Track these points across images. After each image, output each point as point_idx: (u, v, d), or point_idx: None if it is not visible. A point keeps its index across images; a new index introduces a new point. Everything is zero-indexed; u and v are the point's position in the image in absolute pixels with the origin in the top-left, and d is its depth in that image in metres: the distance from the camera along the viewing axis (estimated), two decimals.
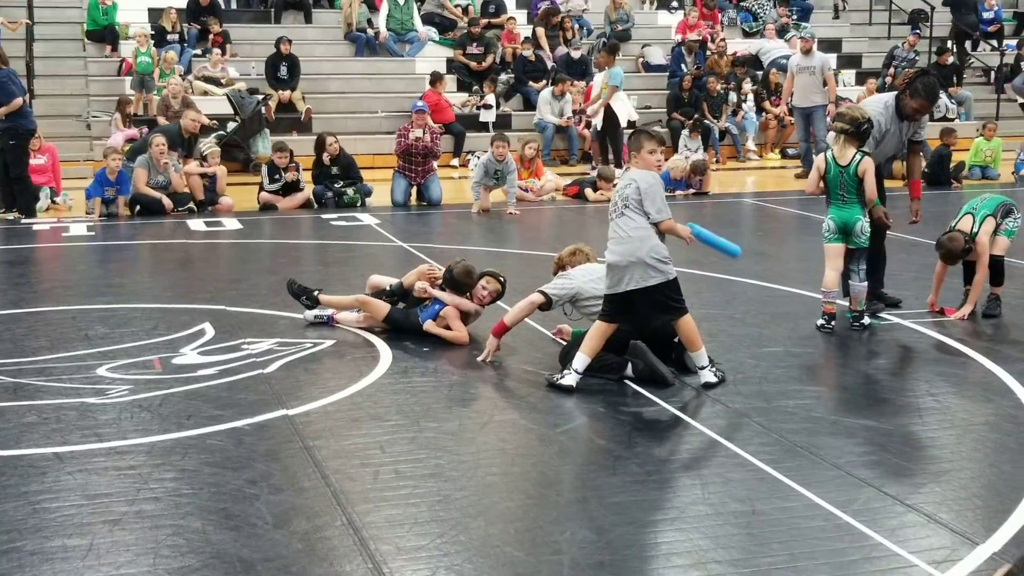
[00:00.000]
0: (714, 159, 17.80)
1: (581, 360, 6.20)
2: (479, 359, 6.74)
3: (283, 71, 17.74)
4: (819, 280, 7.63)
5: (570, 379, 6.14)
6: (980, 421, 5.78)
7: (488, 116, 18.35)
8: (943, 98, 19.92)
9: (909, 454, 5.27)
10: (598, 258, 6.93)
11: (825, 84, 15.92)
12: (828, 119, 15.30)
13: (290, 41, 17.90)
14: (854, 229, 7.50)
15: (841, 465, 5.08)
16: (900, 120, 7.92)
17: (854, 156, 7.41)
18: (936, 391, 6.23)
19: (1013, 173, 16.38)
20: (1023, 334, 7.52)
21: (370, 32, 19.67)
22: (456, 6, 20.82)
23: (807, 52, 16.18)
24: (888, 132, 7.89)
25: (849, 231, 7.52)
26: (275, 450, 5.30)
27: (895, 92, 8.13)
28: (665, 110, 18.92)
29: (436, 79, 17.63)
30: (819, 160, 7.68)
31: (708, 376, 6.28)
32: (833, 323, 7.49)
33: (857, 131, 7.40)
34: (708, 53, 20.12)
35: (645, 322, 6.40)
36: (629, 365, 6.37)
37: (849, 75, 21.24)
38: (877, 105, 7.99)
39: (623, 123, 16.44)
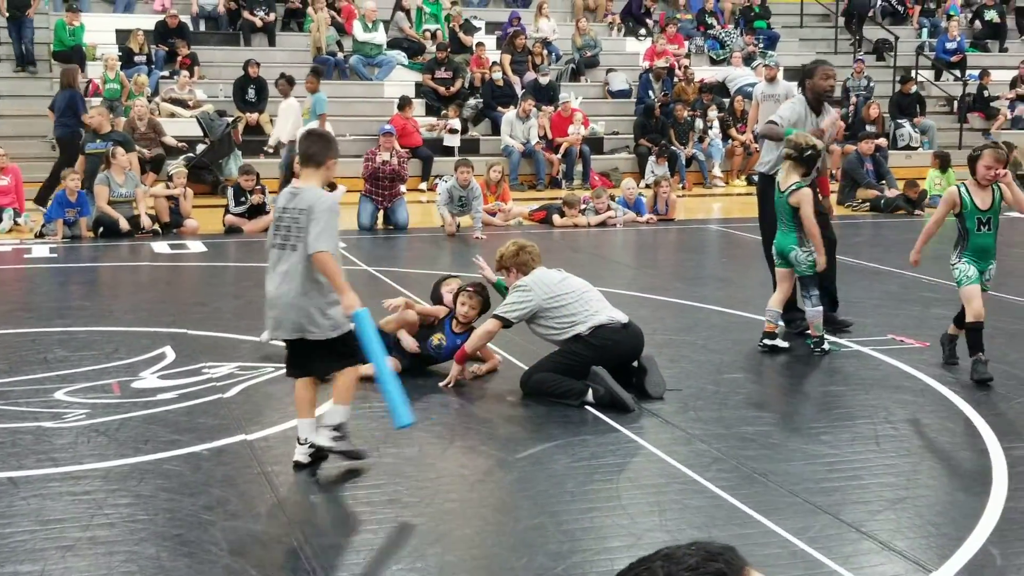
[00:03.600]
0: (680, 185, 17.90)
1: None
2: (441, 385, 6.74)
3: (251, 94, 17.74)
4: (786, 306, 7.69)
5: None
6: (936, 448, 5.83)
7: (452, 141, 18.39)
8: (906, 127, 20.16)
9: (865, 481, 5.30)
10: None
11: None
12: None
13: (258, 64, 17.89)
14: (789, 257, 7.53)
15: (798, 492, 5.11)
16: (816, 114, 8.32)
17: (791, 184, 7.43)
18: (894, 418, 6.27)
19: None
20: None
21: (339, 55, 19.70)
22: (425, 31, 20.90)
23: (771, 80, 16.29)
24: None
25: (786, 258, 7.56)
26: (233, 475, 5.28)
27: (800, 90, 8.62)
28: (632, 136, 19.04)
29: (404, 103, 17.69)
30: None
31: (323, 439, 5.29)
32: (770, 342, 7.54)
33: (800, 157, 7.39)
34: (675, 80, 20.27)
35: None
36: (590, 391, 6.38)
37: None
38: (796, 107, 8.35)
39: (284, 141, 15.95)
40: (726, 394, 6.73)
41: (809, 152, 7.33)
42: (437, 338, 7.03)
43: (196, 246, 12.28)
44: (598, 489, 5.16)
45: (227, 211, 13.28)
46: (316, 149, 5.38)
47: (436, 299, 7.42)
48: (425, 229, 13.70)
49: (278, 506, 4.88)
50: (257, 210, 13.25)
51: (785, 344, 7.70)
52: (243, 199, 13.20)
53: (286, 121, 15.93)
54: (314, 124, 14.07)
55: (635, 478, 5.38)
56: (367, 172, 13.49)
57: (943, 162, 16.30)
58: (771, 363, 7.45)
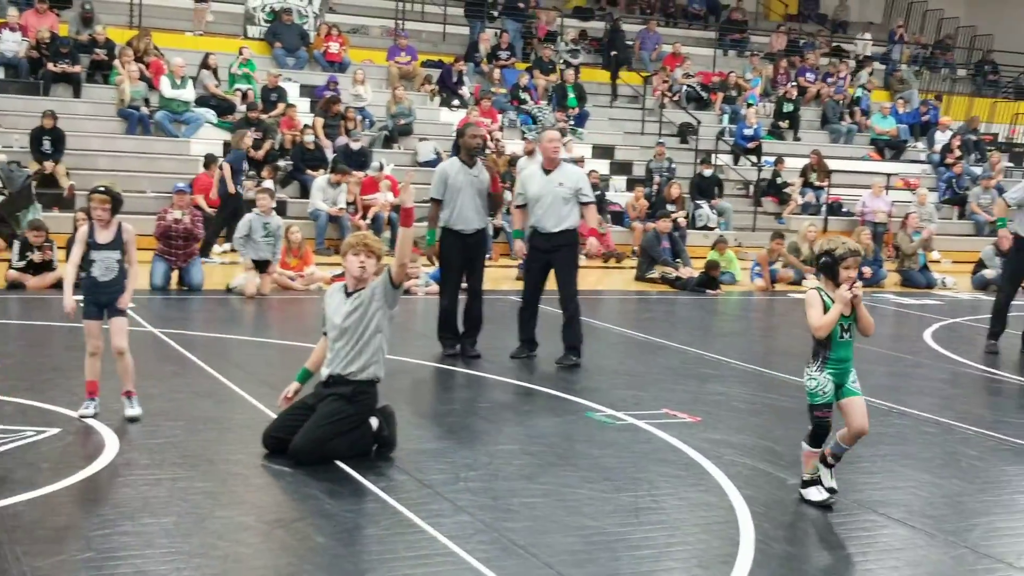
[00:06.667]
0: (487, 256, 18.06)
1: None
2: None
3: (46, 144, 17.23)
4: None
5: None
6: (692, 523, 6.00)
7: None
8: (704, 207, 20.95)
9: (619, 554, 5.42)
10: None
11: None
12: None
13: (55, 115, 17.42)
14: None
15: (553, 564, 5.19)
16: (470, 167, 9.85)
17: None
18: (656, 492, 6.44)
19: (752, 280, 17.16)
20: (742, 437, 7.83)
21: (144, 110, 19.34)
22: (235, 91, 20.74)
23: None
24: (458, 185, 9.78)
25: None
26: None
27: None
28: None
29: (210, 161, 17.47)
30: None
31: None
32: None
33: (816, 262, 6.48)
34: (488, 152, 20.57)
35: None
36: (375, 421, 6.72)
37: (620, 181, 22.10)
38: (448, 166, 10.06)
39: None
40: (499, 465, 6.80)
41: (823, 259, 6.31)
42: None
43: None
44: (355, 562, 5.12)
45: (11, 266, 12.82)
46: None
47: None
48: (220, 292, 13.47)
49: None
50: (43, 267, 12.82)
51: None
52: (28, 254, 12.77)
53: None
54: None
55: (393, 550, 5.36)
56: (159, 231, 13.23)
57: (718, 245, 17.00)
58: (547, 436, 7.57)
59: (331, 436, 6.58)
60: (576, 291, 10.00)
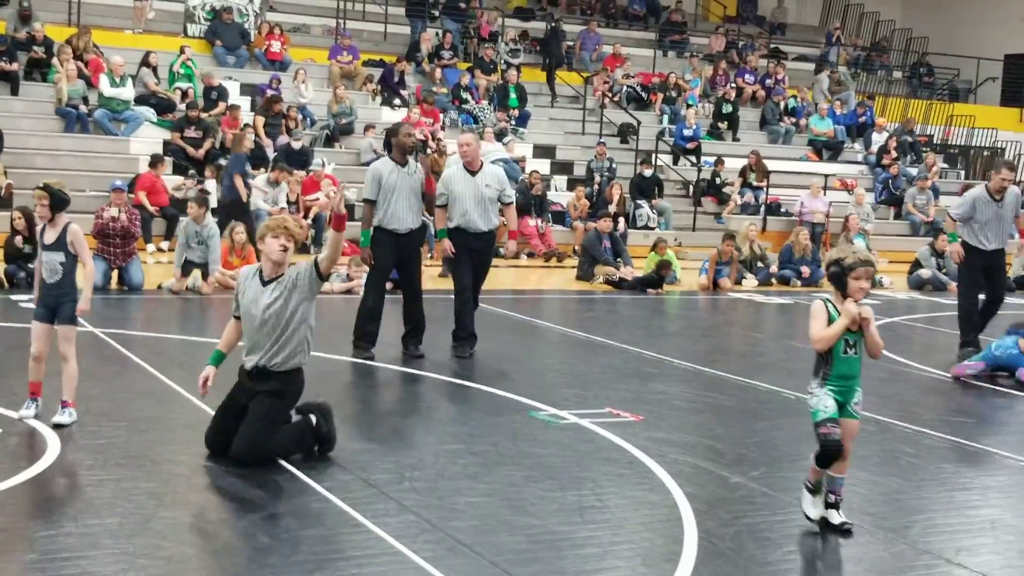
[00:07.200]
0: (429, 255, 18.08)
1: None
2: None
3: None
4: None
5: None
6: (636, 521, 6.07)
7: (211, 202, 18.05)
8: (645, 207, 21.12)
9: (564, 552, 5.48)
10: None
11: None
12: None
13: None
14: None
15: (499, 563, 5.23)
16: (403, 166, 9.84)
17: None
18: (600, 490, 6.50)
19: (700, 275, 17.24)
20: (685, 435, 7.93)
21: (83, 108, 19.12)
22: (175, 89, 20.57)
23: None
24: (392, 185, 9.74)
25: None
26: None
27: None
28: None
29: (156, 161, 17.39)
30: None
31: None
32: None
33: (826, 271, 6.07)
34: (429, 151, 20.57)
35: None
36: (313, 417, 6.74)
37: (561, 181, 22.20)
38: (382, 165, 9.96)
39: None
40: (444, 464, 6.83)
41: (832, 268, 5.92)
42: None
43: None
44: (301, 560, 5.13)
45: None
46: None
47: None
48: (159, 291, 13.37)
49: None
50: None
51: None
52: None
53: None
54: None
55: (340, 549, 5.38)
56: (96, 229, 13.08)
57: (658, 246, 17.07)
58: (491, 435, 7.61)
59: (268, 435, 6.57)
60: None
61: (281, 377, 6.70)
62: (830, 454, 5.84)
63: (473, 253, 10.28)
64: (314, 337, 6.84)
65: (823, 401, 5.88)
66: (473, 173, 10.17)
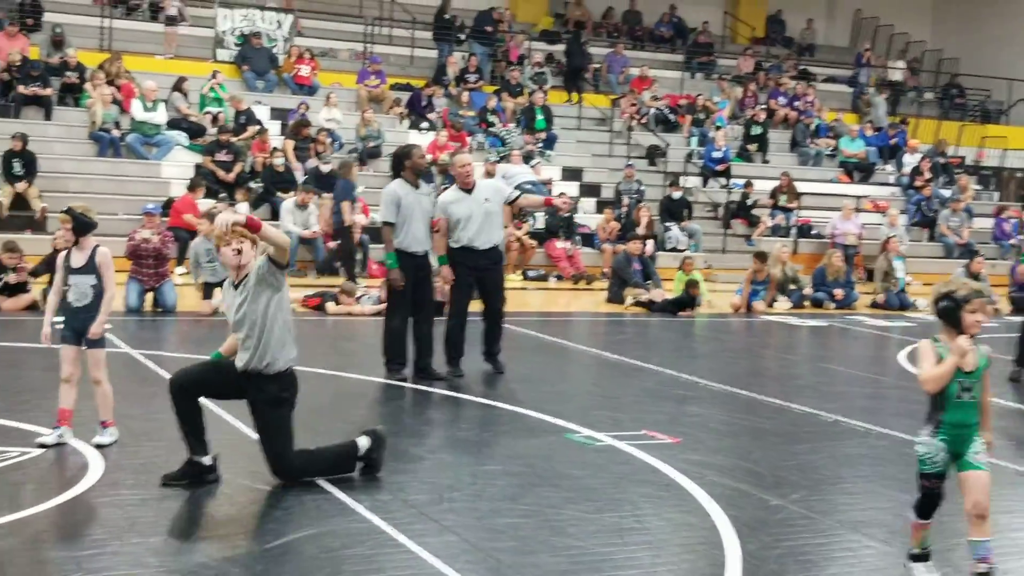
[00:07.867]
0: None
1: None
2: None
3: (17, 167, 17.15)
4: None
5: None
6: (676, 543, 6.05)
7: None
8: (674, 229, 21.10)
9: (606, 573, 5.46)
10: None
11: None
12: None
13: (25, 137, 17.35)
14: None
15: None
16: (415, 188, 9.89)
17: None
18: (639, 512, 6.48)
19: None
20: (722, 457, 7.90)
21: (115, 132, 19.29)
22: (206, 113, 20.73)
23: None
24: (409, 207, 9.77)
25: None
26: None
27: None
28: None
29: (195, 185, 17.56)
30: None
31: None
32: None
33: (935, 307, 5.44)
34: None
35: None
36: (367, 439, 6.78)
37: (590, 203, 22.22)
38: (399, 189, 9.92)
39: None
40: (483, 485, 6.83)
41: (943, 303, 5.34)
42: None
43: None
44: None
45: None
46: None
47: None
48: (194, 313, 13.43)
49: None
50: (18, 288, 12.75)
51: None
52: (2, 276, 12.71)
53: None
54: None
55: (382, 569, 5.38)
56: (128, 250, 13.21)
57: (685, 263, 17.09)
58: (524, 456, 7.59)
59: (284, 442, 6.57)
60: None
61: (276, 379, 6.60)
62: (929, 506, 5.43)
63: (482, 272, 10.26)
64: (292, 333, 6.68)
65: (933, 454, 5.38)
66: (469, 191, 10.19)
